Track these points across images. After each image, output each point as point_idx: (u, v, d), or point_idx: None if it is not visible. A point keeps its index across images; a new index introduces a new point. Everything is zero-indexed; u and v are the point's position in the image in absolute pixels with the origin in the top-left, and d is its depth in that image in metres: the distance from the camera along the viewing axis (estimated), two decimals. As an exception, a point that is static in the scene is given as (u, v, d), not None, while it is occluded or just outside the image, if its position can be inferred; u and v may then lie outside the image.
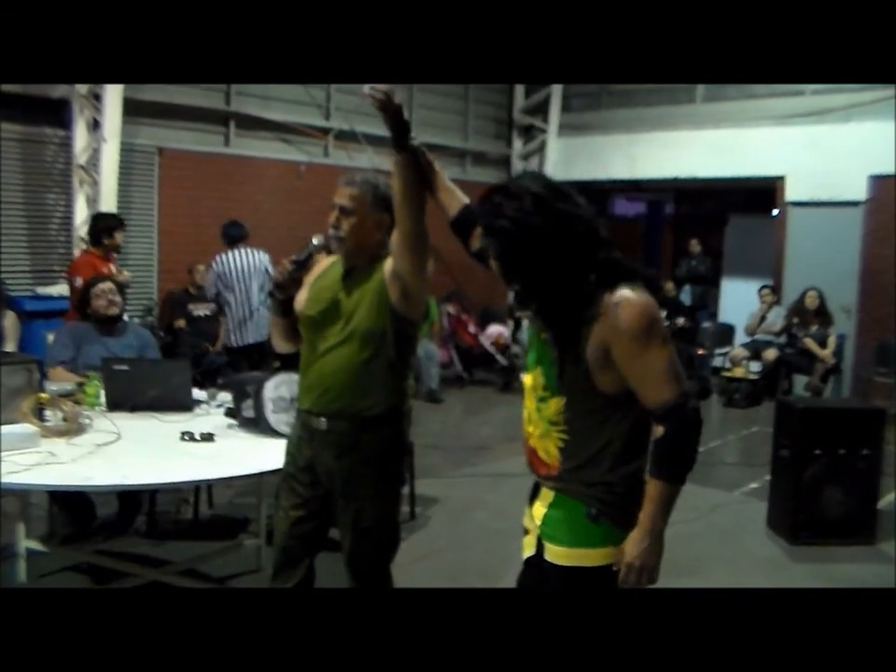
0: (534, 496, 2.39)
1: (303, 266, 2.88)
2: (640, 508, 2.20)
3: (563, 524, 2.26)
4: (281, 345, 3.08)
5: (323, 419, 2.83)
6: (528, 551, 2.38)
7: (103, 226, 6.73)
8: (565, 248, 2.13)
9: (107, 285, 4.92)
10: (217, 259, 7.36)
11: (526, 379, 2.33)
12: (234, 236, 7.39)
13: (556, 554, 2.27)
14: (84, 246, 7.07)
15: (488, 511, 5.52)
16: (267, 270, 7.27)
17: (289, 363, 3.25)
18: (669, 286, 10.91)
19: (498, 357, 10.15)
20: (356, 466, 2.81)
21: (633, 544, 2.16)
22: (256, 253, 7.38)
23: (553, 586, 2.30)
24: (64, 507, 4.63)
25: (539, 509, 2.34)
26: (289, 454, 2.98)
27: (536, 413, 2.28)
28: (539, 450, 2.29)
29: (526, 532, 2.41)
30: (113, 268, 6.58)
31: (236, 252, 7.32)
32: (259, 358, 7.01)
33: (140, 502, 4.85)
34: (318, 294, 2.89)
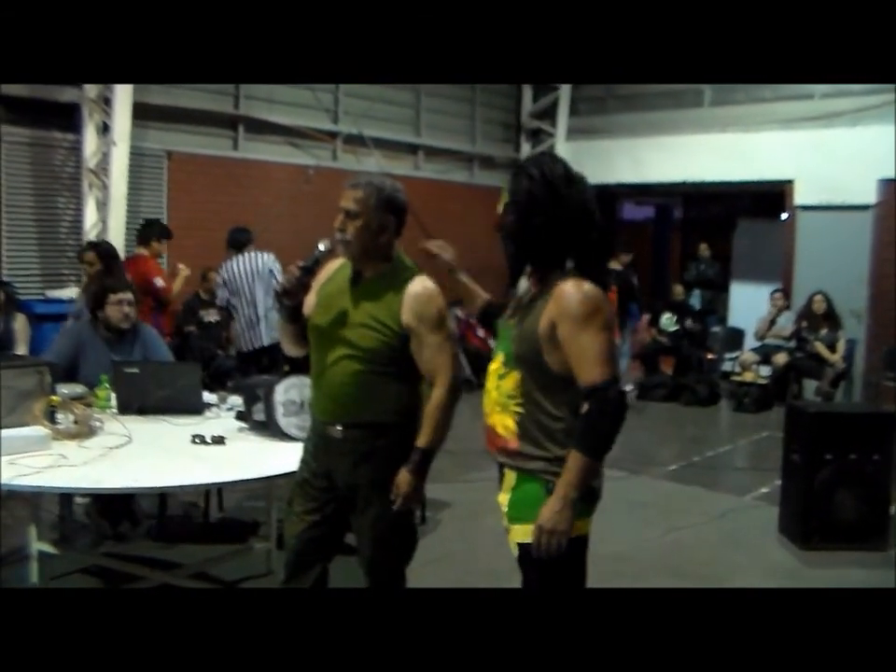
0: (500, 486, 2.52)
1: (311, 272, 2.87)
2: (597, 482, 2.42)
3: (525, 503, 2.40)
4: (291, 350, 3.08)
5: (338, 427, 2.83)
6: (513, 549, 2.49)
7: (159, 230, 7.16)
8: (572, 234, 2.40)
9: (126, 294, 4.65)
10: (224, 265, 7.37)
11: (491, 365, 2.52)
12: (240, 241, 7.39)
13: (522, 533, 2.40)
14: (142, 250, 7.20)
15: (497, 515, 5.48)
16: (272, 272, 7.24)
17: (299, 367, 3.25)
18: (679, 289, 10.87)
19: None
20: (373, 472, 2.81)
21: (547, 509, 2.32)
22: (260, 256, 7.35)
23: (522, 565, 2.44)
24: (105, 514, 4.72)
25: (504, 497, 2.49)
26: (304, 461, 2.98)
27: (495, 390, 2.45)
28: (497, 426, 2.45)
29: (508, 531, 2.51)
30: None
31: (241, 257, 7.30)
32: (269, 363, 7.00)
33: (120, 510, 4.83)
34: (326, 301, 2.88)
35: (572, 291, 2.33)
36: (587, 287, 2.34)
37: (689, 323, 10.25)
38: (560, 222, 2.38)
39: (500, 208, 2.52)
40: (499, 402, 2.44)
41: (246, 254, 7.31)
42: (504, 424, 2.43)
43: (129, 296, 4.68)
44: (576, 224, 2.39)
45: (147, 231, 7.21)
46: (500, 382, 2.44)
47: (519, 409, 2.40)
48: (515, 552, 2.46)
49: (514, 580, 2.99)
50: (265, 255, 7.37)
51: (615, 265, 10.68)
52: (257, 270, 7.27)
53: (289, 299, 2.89)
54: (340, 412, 2.83)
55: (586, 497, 2.37)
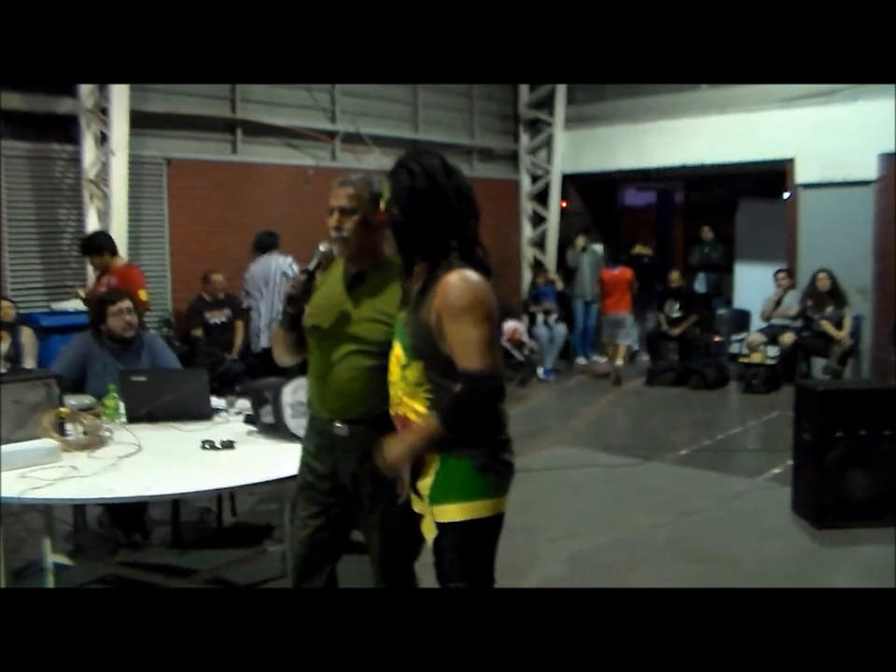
0: (415, 476, 2.55)
1: (314, 275, 2.87)
2: (512, 457, 2.55)
3: (452, 483, 2.46)
4: (285, 359, 3.04)
5: (344, 426, 2.83)
6: (430, 534, 2.53)
7: (95, 246, 6.70)
8: (454, 223, 2.47)
9: (126, 303, 4.65)
10: (248, 268, 7.58)
11: (392, 354, 2.58)
12: (263, 244, 7.57)
13: (450, 512, 2.45)
14: (122, 261, 6.88)
15: (511, 508, 5.49)
16: (285, 274, 7.35)
17: (306, 368, 3.25)
18: (675, 275, 10.81)
19: (514, 352, 10.13)
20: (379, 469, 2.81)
21: (392, 449, 2.49)
22: (275, 259, 7.49)
23: (450, 544, 2.48)
24: (119, 523, 4.75)
25: (426, 482, 2.51)
26: (305, 464, 2.97)
27: (401, 381, 2.53)
28: (408, 413, 2.52)
29: (422, 517, 2.56)
30: None
31: (260, 260, 7.49)
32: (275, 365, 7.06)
33: (134, 516, 4.83)
34: (324, 302, 2.87)
35: (456, 282, 2.40)
36: (471, 277, 2.41)
37: (695, 326, 10.33)
38: (442, 212, 2.45)
39: (383, 205, 2.56)
40: (407, 391, 2.51)
41: (265, 257, 7.46)
42: (415, 410, 2.50)
43: (127, 304, 4.68)
44: (457, 213, 2.47)
45: (111, 243, 6.76)
46: (405, 372, 2.51)
47: (428, 394, 2.47)
48: (432, 534, 2.52)
49: (530, 576, 3.03)
50: (280, 258, 7.48)
51: (646, 251, 10.70)
52: (270, 271, 7.41)
53: (294, 306, 2.88)
54: (347, 408, 2.82)
55: (502, 472, 2.51)
